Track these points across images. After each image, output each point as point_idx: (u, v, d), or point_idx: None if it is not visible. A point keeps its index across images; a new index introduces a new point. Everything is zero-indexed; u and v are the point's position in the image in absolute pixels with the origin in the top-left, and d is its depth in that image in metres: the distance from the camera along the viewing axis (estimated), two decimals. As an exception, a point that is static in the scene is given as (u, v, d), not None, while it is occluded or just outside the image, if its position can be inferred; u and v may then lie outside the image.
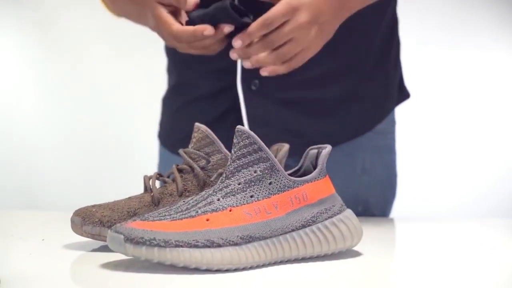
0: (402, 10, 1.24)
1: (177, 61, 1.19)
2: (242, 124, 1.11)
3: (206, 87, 1.15)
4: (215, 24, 0.92)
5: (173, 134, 1.22)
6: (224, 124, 1.12)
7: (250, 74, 1.07)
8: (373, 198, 1.16)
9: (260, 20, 0.90)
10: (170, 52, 1.21)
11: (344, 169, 1.12)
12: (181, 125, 1.19)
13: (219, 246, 0.68)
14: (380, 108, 1.17)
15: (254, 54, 0.93)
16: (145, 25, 1.05)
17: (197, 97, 1.16)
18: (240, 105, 1.12)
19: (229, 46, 0.95)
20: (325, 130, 1.11)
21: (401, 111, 1.23)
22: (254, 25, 0.91)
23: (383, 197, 1.20)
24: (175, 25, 0.93)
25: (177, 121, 1.21)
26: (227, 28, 0.92)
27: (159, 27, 0.96)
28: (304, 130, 1.10)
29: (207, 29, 0.91)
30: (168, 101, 1.24)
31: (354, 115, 1.13)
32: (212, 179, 0.81)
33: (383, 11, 1.14)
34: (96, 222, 0.78)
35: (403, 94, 1.22)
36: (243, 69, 1.09)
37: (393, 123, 1.21)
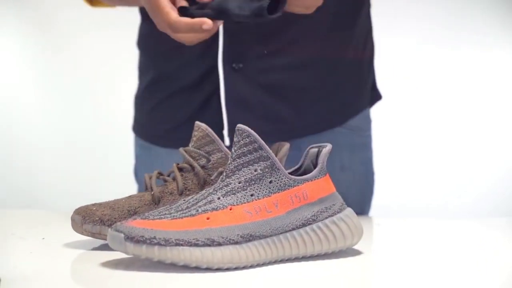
0: (402, 11, 1.25)
1: (157, 54, 1.18)
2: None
3: (187, 77, 1.14)
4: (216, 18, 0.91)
5: (156, 127, 1.20)
6: (209, 110, 1.11)
7: (233, 56, 1.09)
8: (351, 196, 1.17)
9: None
10: (147, 47, 1.20)
11: None
12: (164, 118, 1.17)
13: (219, 244, 0.68)
14: (353, 104, 1.19)
15: None
16: (135, 5, 1.04)
17: (177, 89, 1.15)
18: (220, 91, 1.12)
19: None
20: (301, 118, 1.13)
21: (401, 111, 1.23)
22: None
23: (362, 195, 1.22)
24: (173, 15, 0.91)
25: (160, 114, 1.18)
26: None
27: (154, 12, 0.94)
28: (281, 117, 1.11)
29: (205, 23, 0.90)
30: (144, 99, 1.22)
31: (329, 106, 1.15)
32: (212, 177, 0.81)
33: (358, 10, 1.17)
34: (96, 221, 0.78)
35: (375, 96, 1.25)
36: (225, 50, 1.09)
37: (368, 121, 1.23)
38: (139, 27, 1.25)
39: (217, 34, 1.09)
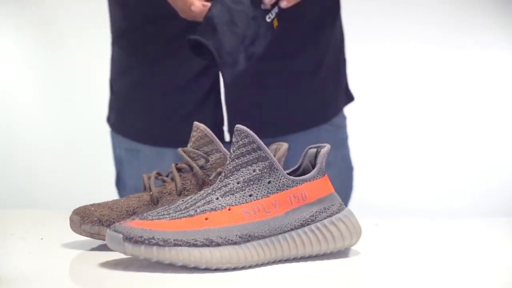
0: (402, 11, 1.25)
1: (146, 52, 1.15)
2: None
3: (186, 74, 1.12)
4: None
5: (153, 127, 1.17)
6: (207, 107, 1.12)
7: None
8: (336, 191, 1.20)
9: None
10: (133, 44, 1.17)
11: None
12: (161, 117, 1.15)
13: (218, 245, 0.68)
14: (335, 103, 1.24)
15: None
16: None
17: (174, 86, 1.13)
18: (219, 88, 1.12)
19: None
20: (290, 111, 1.16)
21: (400, 112, 1.24)
22: None
23: (344, 190, 1.25)
24: (197, 4, 0.94)
25: (156, 113, 1.16)
26: None
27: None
28: (272, 108, 1.14)
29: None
30: (133, 99, 1.18)
31: (315, 104, 1.19)
32: (211, 178, 0.81)
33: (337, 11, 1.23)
34: (95, 221, 0.78)
35: (349, 97, 1.30)
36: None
37: (344, 118, 1.28)
38: (116, 22, 1.21)
39: None
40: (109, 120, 1.26)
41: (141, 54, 1.16)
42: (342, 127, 1.27)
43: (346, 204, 1.25)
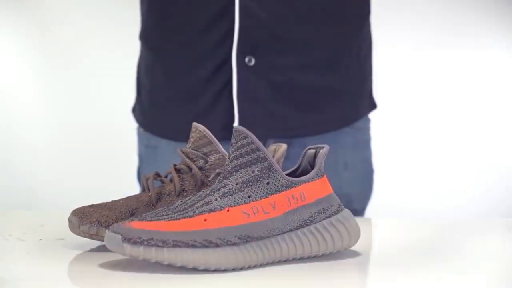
0: (402, 12, 1.25)
1: (166, 49, 1.18)
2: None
3: (201, 70, 1.15)
4: None
5: (173, 121, 1.20)
6: (221, 104, 1.14)
7: (245, 50, 1.12)
8: (354, 193, 1.21)
9: None
10: (155, 41, 1.20)
11: (327, 164, 1.15)
12: (180, 111, 1.18)
13: (216, 246, 0.68)
14: (357, 109, 1.23)
15: None
16: None
17: (191, 83, 1.16)
18: (232, 86, 1.14)
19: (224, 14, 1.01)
20: (308, 118, 1.16)
21: (400, 112, 1.24)
22: None
23: (363, 192, 1.25)
24: None
25: (175, 108, 1.19)
26: None
27: None
28: (290, 116, 1.14)
29: None
30: (157, 95, 1.22)
31: (336, 110, 1.18)
32: (210, 179, 0.81)
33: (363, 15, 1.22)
34: (93, 222, 0.78)
35: (372, 104, 1.29)
36: (239, 42, 1.12)
37: (367, 120, 1.27)
38: (143, 21, 1.24)
39: (232, 27, 1.11)
40: (133, 112, 1.30)
41: (161, 51, 1.19)
42: (363, 129, 1.25)
43: (365, 206, 1.26)
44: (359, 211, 1.23)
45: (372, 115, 1.28)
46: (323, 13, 1.14)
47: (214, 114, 1.14)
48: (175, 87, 1.18)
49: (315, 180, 0.74)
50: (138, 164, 1.30)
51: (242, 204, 0.71)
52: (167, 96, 1.20)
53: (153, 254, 0.67)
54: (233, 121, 1.14)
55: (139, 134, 1.29)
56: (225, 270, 0.69)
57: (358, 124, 1.23)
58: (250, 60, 1.13)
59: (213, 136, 0.83)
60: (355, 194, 1.21)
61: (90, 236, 0.79)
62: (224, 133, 1.04)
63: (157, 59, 1.21)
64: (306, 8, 1.14)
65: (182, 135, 1.14)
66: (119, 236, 0.67)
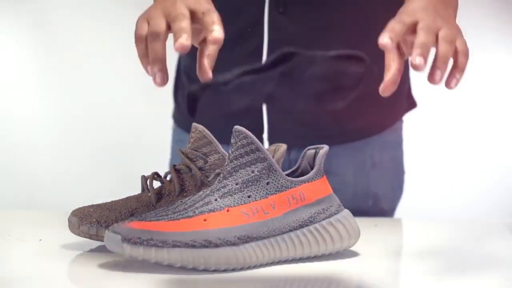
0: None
1: None
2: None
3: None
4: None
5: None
6: (249, 114, 1.11)
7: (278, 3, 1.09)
8: (382, 193, 1.20)
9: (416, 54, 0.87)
10: None
11: (354, 163, 1.16)
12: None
13: (216, 246, 0.68)
14: (391, 115, 1.21)
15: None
16: None
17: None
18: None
19: None
20: (340, 127, 1.14)
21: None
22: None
23: (392, 192, 1.24)
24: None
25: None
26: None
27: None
28: (320, 123, 1.12)
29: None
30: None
31: (368, 118, 1.15)
32: (209, 179, 0.81)
33: None
34: (93, 222, 0.78)
35: (410, 103, 1.26)
36: (270, 42, 1.10)
37: (400, 121, 1.24)
38: None
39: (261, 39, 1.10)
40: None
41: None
42: (394, 129, 1.22)
43: (394, 207, 1.25)
44: (387, 211, 1.22)
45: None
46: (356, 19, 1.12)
47: (242, 121, 1.09)
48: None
49: (314, 180, 0.74)
50: (170, 158, 1.31)
51: (242, 204, 0.71)
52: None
53: (153, 254, 0.67)
54: (262, 131, 1.13)
55: (172, 130, 1.31)
56: (225, 270, 0.69)
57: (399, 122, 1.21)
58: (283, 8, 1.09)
59: (212, 136, 0.83)
60: (383, 194, 1.20)
61: (90, 237, 0.79)
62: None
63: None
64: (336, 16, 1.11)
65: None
66: (119, 236, 0.67)
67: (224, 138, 0.85)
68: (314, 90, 1.10)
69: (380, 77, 1.12)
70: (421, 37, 0.88)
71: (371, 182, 1.17)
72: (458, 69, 0.94)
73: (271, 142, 1.12)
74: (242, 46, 1.12)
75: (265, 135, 1.13)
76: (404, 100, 1.23)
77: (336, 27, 1.12)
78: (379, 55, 1.10)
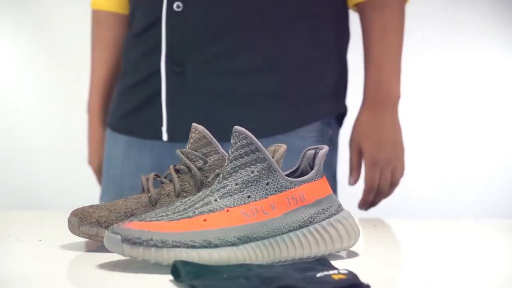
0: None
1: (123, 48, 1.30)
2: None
3: (132, 78, 1.23)
4: None
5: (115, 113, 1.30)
6: (150, 109, 1.19)
7: (174, 60, 1.15)
8: None
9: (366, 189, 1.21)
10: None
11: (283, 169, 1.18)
12: (120, 106, 1.27)
13: (216, 246, 0.68)
14: (302, 114, 1.18)
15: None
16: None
17: (131, 83, 1.24)
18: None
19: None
20: (239, 124, 1.14)
21: (402, 112, 1.23)
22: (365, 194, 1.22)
23: None
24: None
25: (119, 102, 1.28)
26: None
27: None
28: (220, 120, 1.13)
29: None
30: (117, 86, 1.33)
31: (269, 116, 1.15)
32: (209, 179, 0.81)
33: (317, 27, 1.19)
34: (93, 223, 0.78)
35: (335, 110, 1.24)
36: (167, 53, 1.16)
37: (327, 125, 1.21)
38: None
39: (159, 40, 1.16)
40: None
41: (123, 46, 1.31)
42: (322, 134, 1.19)
43: None
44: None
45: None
46: (255, 19, 1.14)
47: (145, 115, 1.21)
48: (120, 88, 1.29)
49: (314, 180, 0.74)
50: (121, 166, 1.34)
51: (242, 204, 0.71)
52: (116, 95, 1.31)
53: (153, 254, 0.67)
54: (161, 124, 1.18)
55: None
56: (224, 271, 0.69)
57: (310, 128, 1.17)
58: (178, 69, 1.15)
59: (212, 137, 0.83)
60: None
61: (90, 237, 0.79)
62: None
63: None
64: (236, 14, 1.14)
65: (117, 127, 1.29)
66: (119, 237, 0.67)
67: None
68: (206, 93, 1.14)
69: (287, 77, 1.15)
70: (367, 175, 1.20)
71: None
72: (381, 196, 1.23)
73: (169, 135, 1.17)
74: (140, 45, 1.21)
75: (164, 128, 1.17)
76: (322, 103, 1.20)
77: (237, 22, 1.15)
78: (275, 63, 1.14)
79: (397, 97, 1.20)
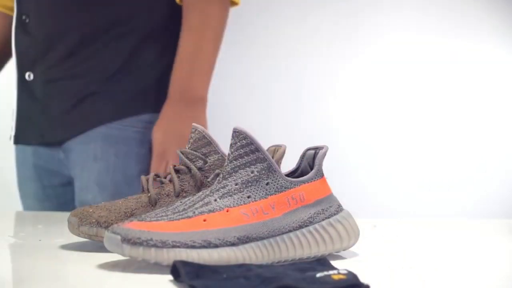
0: (400, 11, 1.25)
1: None
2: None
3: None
4: None
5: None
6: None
7: (24, 67, 1.33)
8: (107, 183, 1.28)
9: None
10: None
11: (80, 157, 1.27)
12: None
13: (216, 246, 0.68)
14: (115, 109, 1.27)
15: None
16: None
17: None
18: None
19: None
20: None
21: (398, 112, 1.23)
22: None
23: (115, 185, 1.29)
24: None
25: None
26: None
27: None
28: (55, 126, 1.28)
29: None
30: None
31: (92, 111, 1.26)
32: (209, 179, 0.81)
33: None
34: (93, 223, 0.78)
35: (147, 106, 1.30)
36: (18, 60, 1.34)
37: (141, 121, 1.28)
38: None
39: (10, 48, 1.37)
40: None
41: None
42: (129, 126, 1.27)
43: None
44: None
45: (370, 115, 1.26)
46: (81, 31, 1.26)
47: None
48: None
49: (314, 180, 0.74)
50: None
51: (242, 204, 0.71)
52: None
53: (153, 254, 0.67)
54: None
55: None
56: (224, 271, 0.69)
57: (126, 121, 1.26)
58: (29, 76, 1.32)
59: (212, 137, 0.83)
60: (108, 185, 1.27)
61: (90, 237, 0.79)
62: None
63: None
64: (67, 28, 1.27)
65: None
66: (119, 237, 0.67)
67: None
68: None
69: (105, 80, 1.27)
70: (152, 166, 1.22)
71: (93, 174, 1.25)
72: None
73: (16, 139, 1.40)
74: None
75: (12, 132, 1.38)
76: (135, 100, 1.28)
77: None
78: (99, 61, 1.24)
79: (198, 94, 1.24)
